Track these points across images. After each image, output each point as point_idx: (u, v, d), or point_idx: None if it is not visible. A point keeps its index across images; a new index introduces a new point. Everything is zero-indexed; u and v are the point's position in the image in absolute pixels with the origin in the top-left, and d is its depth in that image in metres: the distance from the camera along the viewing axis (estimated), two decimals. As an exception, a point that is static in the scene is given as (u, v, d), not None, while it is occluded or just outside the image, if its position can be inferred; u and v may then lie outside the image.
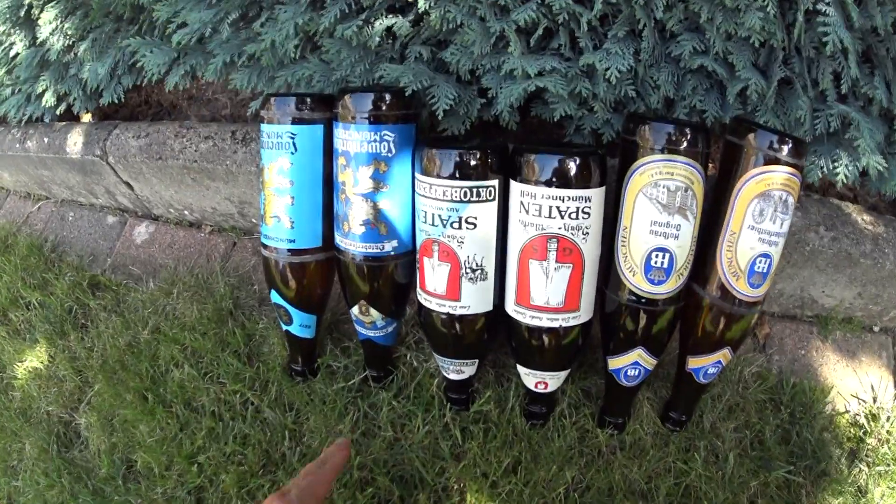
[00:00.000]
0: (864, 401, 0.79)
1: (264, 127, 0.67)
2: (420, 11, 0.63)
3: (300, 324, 0.75)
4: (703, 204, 0.59)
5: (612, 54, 0.61)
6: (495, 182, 0.59)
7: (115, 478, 0.84)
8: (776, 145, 0.57)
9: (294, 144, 0.65)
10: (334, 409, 0.77)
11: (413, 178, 0.63)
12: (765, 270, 0.60)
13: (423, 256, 0.63)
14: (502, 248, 0.63)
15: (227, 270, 0.99)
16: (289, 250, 0.69)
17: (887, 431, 0.75)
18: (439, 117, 0.66)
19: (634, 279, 0.61)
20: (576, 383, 0.76)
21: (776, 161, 0.57)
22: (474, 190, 0.58)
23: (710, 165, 0.72)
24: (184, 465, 0.79)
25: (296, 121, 0.65)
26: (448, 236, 0.60)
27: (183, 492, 0.78)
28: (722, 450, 0.72)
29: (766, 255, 0.60)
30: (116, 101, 1.01)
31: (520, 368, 0.69)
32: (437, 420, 0.74)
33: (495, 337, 0.69)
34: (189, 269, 1.01)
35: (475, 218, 0.59)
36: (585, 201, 0.57)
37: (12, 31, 1.10)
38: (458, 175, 0.58)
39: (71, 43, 1.02)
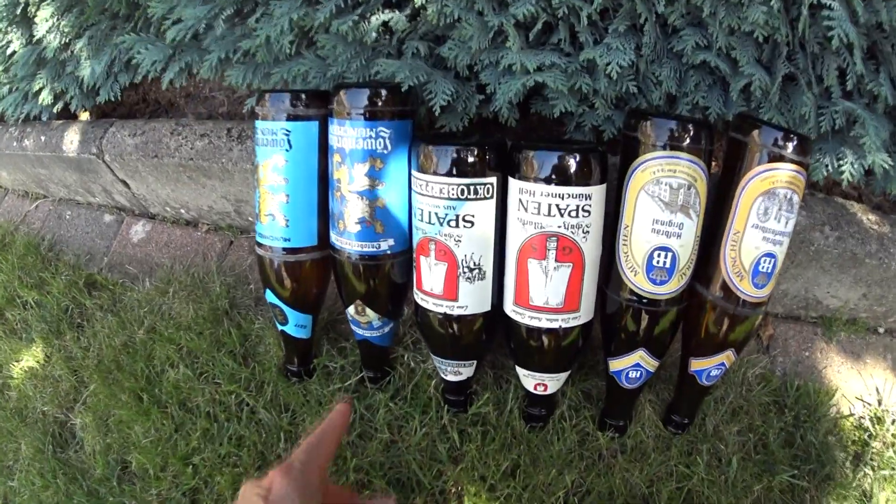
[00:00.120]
0: (868, 403, 0.78)
1: (258, 124, 0.66)
2: (417, 6, 0.62)
3: (296, 324, 0.74)
4: (706, 202, 0.58)
5: (612, 49, 0.60)
6: (493, 179, 0.58)
7: (110, 479, 0.83)
8: (781, 142, 0.56)
9: (289, 141, 0.64)
10: (330, 411, 0.75)
11: (409, 175, 0.62)
12: (769, 270, 0.59)
13: (419, 255, 0.62)
14: (500, 247, 0.62)
15: (223, 269, 0.98)
16: (284, 249, 0.68)
17: (892, 434, 0.74)
18: (436, 113, 0.64)
19: (636, 279, 0.59)
20: (576, 385, 0.74)
21: (781, 158, 0.56)
22: (472, 187, 0.57)
23: (714, 163, 0.71)
24: (178, 466, 0.78)
25: (290, 117, 0.64)
26: (445, 235, 0.59)
27: (178, 493, 0.77)
28: (725, 453, 0.71)
29: (770, 255, 0.59)
30: (113, 99, 1.01)
31: (519, 370, 0.68)
32: (434, 422, 0.73)
33: (494, 338, 0.68)
34: (185, 268, 1.00)
35: (473, 216, 0.58)
36: (585, 199, 0.56)
37: (9, 28, 1.09)
38: (455, 172, 0.57)
39: (67, 41, 1.02)
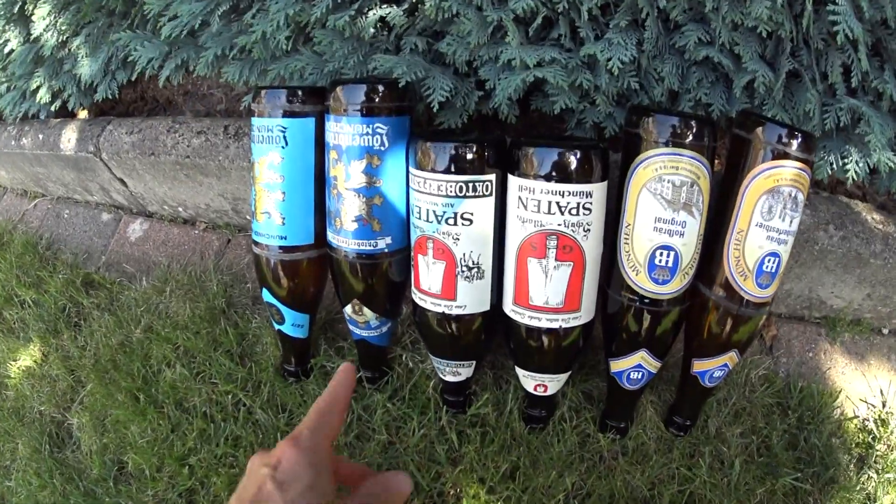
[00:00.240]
0: (873, 405, 0.77)
1: (255, 121, 0.65)
2: (415, 1, 0.61)
3: (292, 323, 0.73)
4: (709, 200, 0.57)
5: (614, 45, 0.59)
6: (492, 176, 0.57)
7: (107, 479, 0.83)
8: (785, 139, 0.55)
9: (285, 138, 0.64)
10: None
11: (407, 172, 0.62)
12: (773, 270, 0.58)
13: (417, 254, 0.61)
14: (500, 245, 0.61)
15: (220, 268, 0.97)
16: (280, 247, 0.68)
17: (898, 437, 0.73)
18: (435, 110, 0.64)
19: (637, 278, 0.59)
20: (576, 386, 0.74)
21: (785, 156, 0.55)
22: (470, 184, 0.57)
23: (717, 160, 0.70)
24: (175, 466, 0.77)
25: (287, 114, 0.63)
26: (443, 233, 0.58)
27: (174, 494, 0.76)
28: (727, 456, 0.70)
29: (774, 255, 0.58)
30: (111, 97, 1.00)
31: (518, 370, 0.67)
32: (432, 423, 0.72)
33: (493, 338, 0.67)
34: (182, 266, 1.00)
35: (471, 214, 0.58)
36: (586, 196, 0.55)
37: (6, 27, 1.09)
38: (453, 169, 0.56)
39: (65, 38, 1.01)
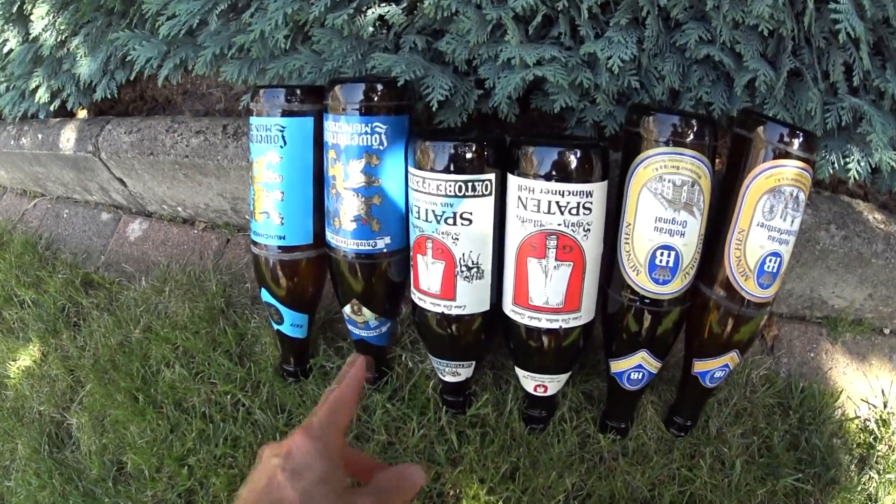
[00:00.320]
0: (874, 405, 0.77)
1: (253, 120, 0.65)
2: (414, -1, 0.61)
3: (291, 323, 0.73)
4: (710, 200, 0.57)
5: (614, 43, 0.59)
6: (492, 176, 0.57)
7: (106, 479, 0.83)
8: (787, 138, 0.55)
9: (283, 138, 0.63)
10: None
11: (406, 171, 0.61)
12: (775, 270, 0.58)
13: (416, 254, 0.61)
14: (499, 245, 0.61)
15: (219, 268, 0.97)
16: (279, 247, 0.67)
17: (900, 438, 0.73)
18: (434, 109, 0.63)
19: (638, 278, 0.58)
20: (577, 386, 0.73)
21: (787, 155, 0.55)
22: (469, 184, 0.56)
23: (718, 160, 0.69)
24: (174, 467, 0.77)
25: (285, 113, 0.63)
26: (442, 233, 0.58)
27: (173, 495, 0.76)
28: (728, 456, 0.70)
29: (776, 254, 0.57)
30: (110, 97, 1.00)
31: (518, 371, 0.66)
32: (432, 423, 0.72)
33: (493, 338, 0.67)
34: (182, 266, 1.00)
35: (470, 213, 0.57)
36: (586, 196, 0.55)
37: (5, 27, 1.09)
38: (452, 168, 0.56)
39: (63, 38, 1.01)
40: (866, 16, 0.58)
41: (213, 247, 1.01)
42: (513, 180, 0.57)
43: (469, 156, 0.56)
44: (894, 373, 0.79)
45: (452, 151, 0.56)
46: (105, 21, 0.95)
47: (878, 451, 0.72)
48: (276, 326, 0.75)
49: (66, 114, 1.15)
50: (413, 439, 0.71)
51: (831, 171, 0.66)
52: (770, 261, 0.57)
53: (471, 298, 0.61)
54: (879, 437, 0.73)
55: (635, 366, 0.63)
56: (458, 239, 0.58)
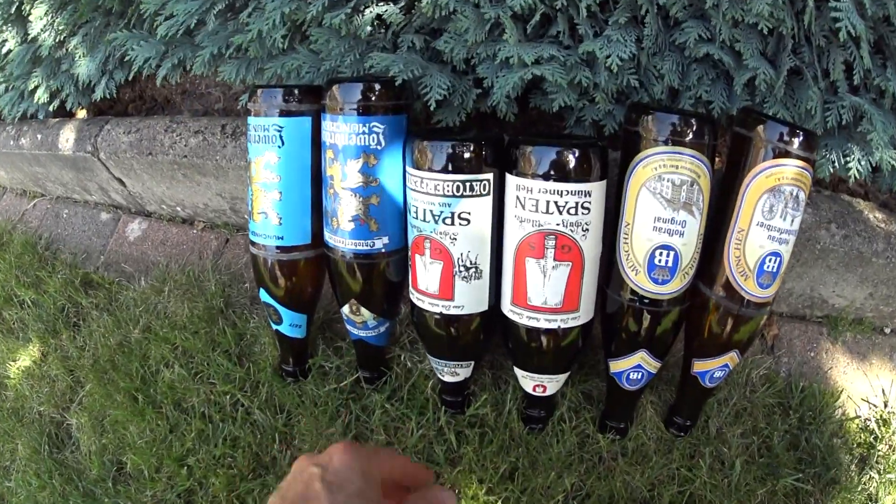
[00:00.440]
0: (874, 405, 0.76)
1: (251, 120, 0.65)
2: (412, -2, 0.61)
3: (290, 323, 0.73)
4: (709, 199, 0.57)
5: (613, 42, 0.58)
6: (490, 175, 0.57)
7: (106, 480, 0.83)
8: (787, 137, 0.55)
9: (281, 138, 0.63)
10: (325, 412, 0.75)
11: (404, 171, 0.61)
12: (774, 270, 0.58)
13: (414, 254, 0.61)
14: (498, 245, 0.60)
15: (218, 268, 0.97)
16: (277, 247, 0.67)
17: (901, 437, 0.72)
18: (432, 108, 0.63)
19: (637, 278, 0.58)
20: (576, 386, 0.73)
21: (787, 154, 0.55)
22: (467, 184, 0.56)
23: (717, 159, 0.69)
24: (173, 467, 0.77)
25: (283, 113, 0.63)
26: (440, 233, 0.58)
27: (172, 495, 0.76)
28: (728, 456, 0.69)
29: (775, 254, 0.57)
30: (109, 97, 1.00)
31: (517, 371, 0.66)
32: (431, 424, 0.72)
33: (491, 338, 0.67)
34: (181, 266, 0.99)
35: (468, 213, 0.57)
36: (585, 196, 0.55)
37: (4, 27, 1.09)
38: (450, 168, 0.56)
39: (62, 38, 1.01)
40: (867, 14, 0.58)
41: (213, 247, 1.01)
42: (511, 180, 0.57)
43: (467, 155, 0.56)
44: (895, 372, 0.79)
45: (450, 151, 0.56)
46: (103, 21, 0.95)
47: (879, 450, 0.72)
48: (274, 326, 0.75)
49: (65, 114, 1.14)
50: (412, 439, 0.71)
51: (831, 170, 0.66)
52: (770, 260, 0.57)
53: (469, 298, 0.61)
54: (880, 436, 0.73)
55: (634, 366, 0.63)
56: (456, 239, 0.58)
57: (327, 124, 0.61)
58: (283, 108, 0.63)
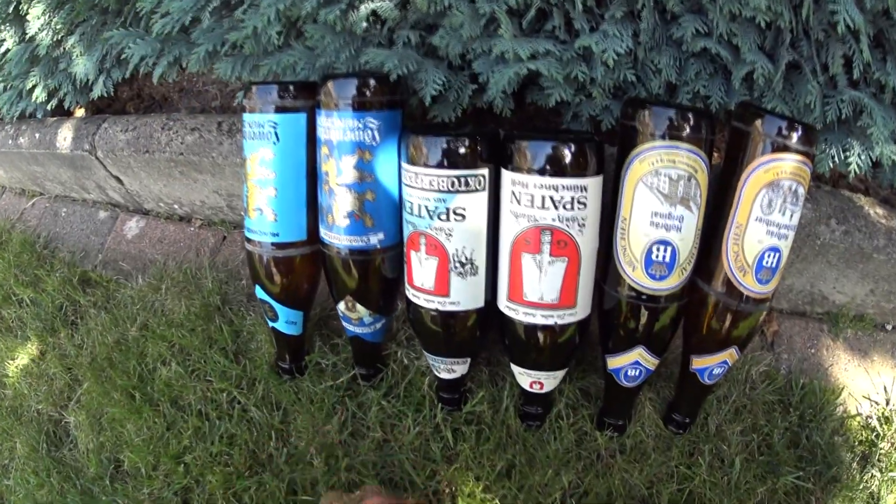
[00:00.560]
0: (876, 402, 0.76)
1: (246, 116, 0.65)
2: (407, -7, 0.60)
3: (286, 320, 0.73)
4: (707, 194, 0.56)
5: (609, 36, 0.58)
6: (485, 171, 0.56)
7: (103, 478, 0.83)
8: (785, 131, 0.54)
9: (276, 134, 0.63)
10: (322, 409, 0.74)
11: (399, 167, 0.61)
12: (773, 265, 0.57)
13: (410, 250, 0.61)
14: (493, 240, 0.60)
15: (215, 265, 0.97)
16: (273, 244, 0.67)
17: (902, 435, 0.72)
18: (427, 104, 0.63)
19: (634, 274, 0.58)
20: (573, 383, 0.73)
21: (785, 148, 0.54)
22: (462, 179, 0.56)
23: (716, 154, 0.68)
24: (170, 465, 0.77)
25: (278, 109, 0.63)
26: (435, 228, 0.58)
27: (169, 492, 0.76)
28: (728, 454, 0.69)
29: (774, 249, 0.56)
30: (106, 95, 1.00)
31: (514, 367, 0.66)
32: (427, 421, 0.72)
33: (488, 334, 0.66)
34: (178, 264, 0.99)
35: (464, 209, 0.57)
36: (581, 191, 0.54)
37: (2, 27, 1.09)
38: (445, 163, 0.55)
39: (59, 37, 1.01)
40: (865, 7, 0.57)
41: (210, 244, 1.01)
42: (506, 175, 0.56)
43: (462, 151, 0.55)
44: (896, 369, 0.78)
45: (445, 146, 0.55)
46: (100, 20, 0.95)
47: (881, 448, 0.71)
48: (270, 323, 0.74)
49: (63, 113, 1.15)
50: (408, 436, 0.71)
51: (831, 165, 0.65)
52: (769, 256, 0.57)
53: (465, 295, 0.60)
54: (882, 434, 0.73)
55: (632, 362, 0.63)
56: (451, 235, 0.58)
57: (322, 120, 0.61)
58: (277, 105, 0.63)
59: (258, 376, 0.80)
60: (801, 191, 0.56)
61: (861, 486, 0.69)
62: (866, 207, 0.72)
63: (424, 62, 0.62)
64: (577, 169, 0.54)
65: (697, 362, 0.64)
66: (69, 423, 0.91)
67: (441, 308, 0.61)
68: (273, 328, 0.75)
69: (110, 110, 1.12)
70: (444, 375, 0.69)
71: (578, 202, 0.54)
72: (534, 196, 0.54)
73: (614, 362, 0.64)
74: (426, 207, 0.57)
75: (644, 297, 0.58)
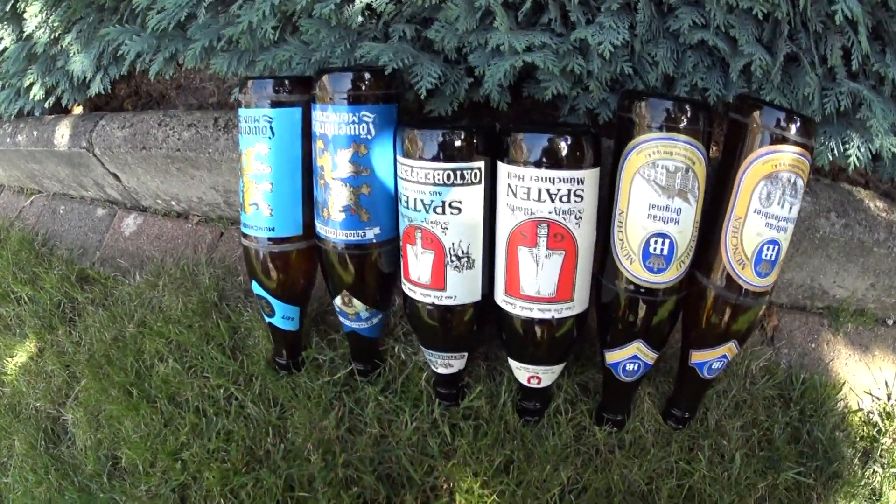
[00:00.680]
0: (877, 398, 0.75)
1: (242, 111, 0.65)
2: (402, -14, 0.60)
3: (283, 315, 0.73)
4: (705, 186, 0.56)
5: (605, 28, 0.58)
6: (481, 164, 0.56)
7: (101, 475, 0.83)
8: (784, 123, 0.54)
9: (271, 128, 0.63)
10: (319, 405, 0.74)
11: (395, 161, 0.61)
12: (773, 258, 0.57)
13: (406, 244, 0.60)
14: (490, 234, 0.60)
15: (213, 261, 0.97)
16: (269, 239, 0.67)
17: (904, 430, 0.71)
18: (423, 97, 0.62)
19: (632, 267, 0.57)
20: (572, 378, 0.72)
21: (784, 140, 0.54)
22: (458, 172, 0.55)
23: (714, 148, 0.68)
24: (168, 461, 0.77)
25: (273, 104, 0.63)
26: (431, 222, 0.57)
27: (167, 489, 0.76)
28: (728, 449, 0.68)
29: (773, 242, 0.56)
30: (104, 92, 1.00)
31: (511, 362, 0.66)
32: (425, 416, 0.71)
33: (485, 329, 0.66)
34: (175, 260, 0.99)
35: (460, 202, 0.56)
36: (577, 183, 0.54)
37: (0, 25, 1.09)
38: (441, 156, 0.55)
39: (57, 35, 1.01)
40: (864, -2, 0.56)
41: (207, 240, 1.01)
42: (502, 168, 0.56)
43: (457, 143, 0.55)
44: (898, 364, 0.78)
45: (441, 139, 0.55)
46: (97, 17, 0.95)
47: (882, 444, 0.71)
48: (267, 319, 0.74)
49: (61, 111, 1.15)
50: (406, 432, 0.71)
51: (830, 158, 0.65)
52: (768, 249, 0.56)
53: (461, 289, 0.60)
54: (883, 430, 0.72)
55: (631, 356, 0.62)
56: (447, 228, 0.57)
57: (317, 114, 0.61)
58: (273, 99, 0.63)
59: (255, 372, 0.79)
60: (800, 183, 0.55)
61: (863, 482, 0.68)
62: (866, 201, 0.72)
63: (420, 56, 0.62)
64: (574, 161, 0.53)
65: (697, 356, 0.63)
66: (67, 421, 0.91)
67: (437, 302, 0.61)
68: (270, 324, 0.75)
69: (108, 108, 1.12)
70: (442, 370, 0.68)
71: (575, 195, 0.54)
72: (530, 189, 0.54)
73: (613, 356, 0.63)
74: (422, 201, 0.57)
75: (642, 290, 0.58)
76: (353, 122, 0.58)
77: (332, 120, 0.59)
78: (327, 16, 0.63)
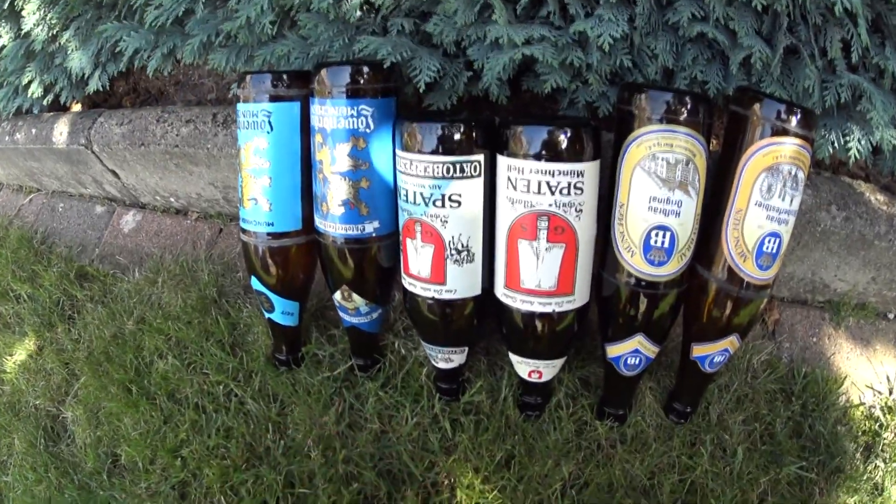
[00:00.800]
0: (879, 392, 0.75)
1: (240, 106, 0.64)
2: (401, -21, 0.60)
3: (282, 311, 0.72)
4: (706, 178, 0.55)
5: (604, 21, 0.57)
6: (480, 157, 0.56)
7: (101, 472, 0.82)
8: (784, 115, 0.53)
9: (270, 123, 0.63)
10: (319, 401, 0.74)
11: (394, 154, 0.60)
12: (774, 251, 0.56)
13: (405, 237, 0.60)
14: (490, 227, 0.60)
15: (212, 258, 0.96)
16: (268, 234, 0.67)
17: (905, 424, 0.71)
18: (421, 91, 0.62)
19: (633, 260, 0.57)
20: (573, 372, 0.72)
21: (784, 132, 0.54)
22: (458, 165, 0.55)
23: (714, 141, 0.68)
24: (167, 458, 0.76)
25: (272, 98, 0.62)
26: (431, 215, 0.57)
27: (167, 486, 0.76)
28: (730, 443, 0.68)
29: (775, 235, 0.56)
30: (102, 89, 1.00)
31: (512, 356, 0.65)
32: (425, 411, 0.71)
33: (485, 323, 0.66)
34: (175, 257, 0.99)
35: (459, 195, 0.56)
36: (578, 176, 0.54)
37: (-2, 22, 1.09)
38: (440, 150, 0.55)
39: (55, 33, 1.01)
40: (864, -11, 0.56)
41: (206, 236, 1.01)
42: (502, 161, 0.56)
43: (457, 137, 0.55)
44: (899, 358, 0.78)
45: (440, 132, 0.55)
46: (95, 14, 0.94)
47: (884, 438, 0.71)
48: (267, 315, 0.74)
49: (59, 108, 1.14)
50: (406, 427, 0.70)
51: (831, 151, 0.65)
52: (769, 241, 0.56)
53: (461, 282, 0.60)
54: (885, 424, 0.72)
55: (632, 350, 0.62)
56: (447, 222, 0.57)
57: (316, 108, 0.61)
58: (271, 94, 0.63)
59: (255, 368, 0.79)
60: (801, 175, 0.55)
61: (865, 477, 0.68)
62: (867, 194, 0.72)
63: (419, 49, 0.62)
64: (574, 154, 0.53)
65: (698, 350, 0.63)
66: (67, 418, 0.91)
67: (437, 296, 0.60)
68: (269, 319, 0.74)
69: (106, 105, 1.11)
70: (442, 365, 0.68)
71: (575, 187, 0.54)
72: (530, 181, 0.54)
73: (614, 350, 0.63)
74: (421, 194, 0.57)
75: (643, 283, 0.58)
76: (352, 116, 0.58)
77: (330, 114, 0.59)
78: (325, 10, 0.63)
